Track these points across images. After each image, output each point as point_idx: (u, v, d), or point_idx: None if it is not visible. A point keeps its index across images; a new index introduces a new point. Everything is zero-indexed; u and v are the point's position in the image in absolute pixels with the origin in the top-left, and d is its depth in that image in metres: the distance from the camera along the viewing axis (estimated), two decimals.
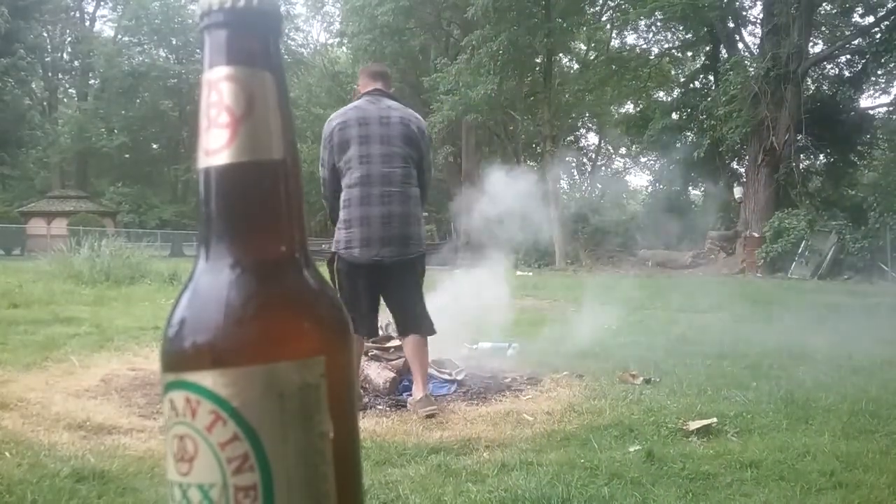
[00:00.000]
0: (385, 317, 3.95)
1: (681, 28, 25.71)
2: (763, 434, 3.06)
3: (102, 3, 40.57)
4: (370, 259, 3.42)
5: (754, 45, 22.84)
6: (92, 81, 39.82)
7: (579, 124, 36.38)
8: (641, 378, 4.17)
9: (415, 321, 3.57)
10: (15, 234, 29.77)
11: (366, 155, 3.45)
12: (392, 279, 3.52)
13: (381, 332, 4.30)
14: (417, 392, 3.51)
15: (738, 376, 4.27)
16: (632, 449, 2.82)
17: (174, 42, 39.16)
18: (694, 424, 3.11)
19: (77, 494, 2.25)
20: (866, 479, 2.48)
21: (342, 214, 3.49)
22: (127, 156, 40.35)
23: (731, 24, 22.88)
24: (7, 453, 2.62)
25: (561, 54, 28.23)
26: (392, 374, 3.90)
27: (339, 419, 0.41)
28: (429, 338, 3.61)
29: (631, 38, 30.24)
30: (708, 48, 25.77)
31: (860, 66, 21.73)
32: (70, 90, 42.41)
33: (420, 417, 3.35)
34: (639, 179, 55.42)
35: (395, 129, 3.49)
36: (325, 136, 3.57)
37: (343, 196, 3.49)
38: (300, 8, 41.08)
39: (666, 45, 29.38)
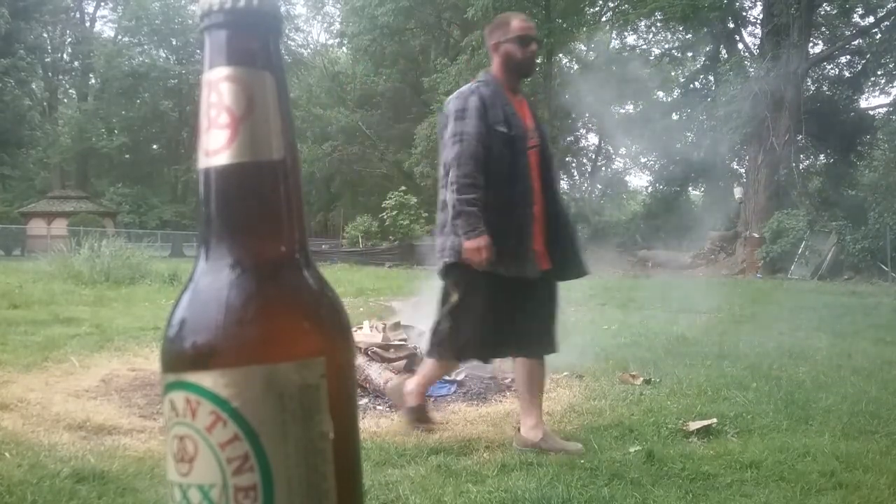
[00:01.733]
0: (387, 318, 3.90)
1: (681, 28, 25.73)
2: (763, 434, 3.05)
3: (102, 4, 40.63)
4: None
5: (754, 45, 22.86)
6: (92, 82, 39.83)
7: (579, 124, 36.38)
8: (641, 378, 4.16)
9: (430, 339, 3.13)
10: (15, 234, 29.79)
11: None
12: None
13: (377, 332, 4.31)
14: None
15: (738, 376, 4.27)
16: (632, 449, 2.82)
17: (174, 43, 39.17)
18: (694, 425, 3.10)
19: (77, 495, 2.25)
20: (866, 480, 2.48)
21: None
22: (127, 156, 40.36)
23: (731, 25, 22.89)
24: (7, 454, 2.62)
25: (561, 54, 28.25)
26: (393, 375, 3.90)
27: (339, 419, 0.41)
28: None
29: (631, 39, 30.32)
30: (708, 48, 25.80)
31: (860, 67, 21.75)
32: (70, 90, 42.40)
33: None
34: (639, 179, 55.50)
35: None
36: None
37: None
38: (300, 8, 41.23)
39: (666, 46, 29.45)
